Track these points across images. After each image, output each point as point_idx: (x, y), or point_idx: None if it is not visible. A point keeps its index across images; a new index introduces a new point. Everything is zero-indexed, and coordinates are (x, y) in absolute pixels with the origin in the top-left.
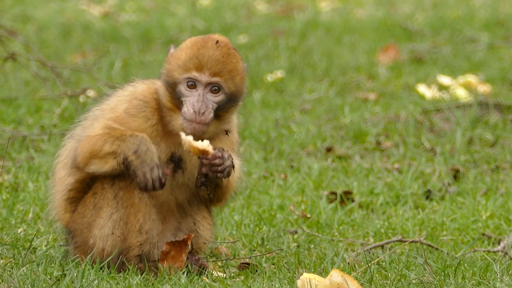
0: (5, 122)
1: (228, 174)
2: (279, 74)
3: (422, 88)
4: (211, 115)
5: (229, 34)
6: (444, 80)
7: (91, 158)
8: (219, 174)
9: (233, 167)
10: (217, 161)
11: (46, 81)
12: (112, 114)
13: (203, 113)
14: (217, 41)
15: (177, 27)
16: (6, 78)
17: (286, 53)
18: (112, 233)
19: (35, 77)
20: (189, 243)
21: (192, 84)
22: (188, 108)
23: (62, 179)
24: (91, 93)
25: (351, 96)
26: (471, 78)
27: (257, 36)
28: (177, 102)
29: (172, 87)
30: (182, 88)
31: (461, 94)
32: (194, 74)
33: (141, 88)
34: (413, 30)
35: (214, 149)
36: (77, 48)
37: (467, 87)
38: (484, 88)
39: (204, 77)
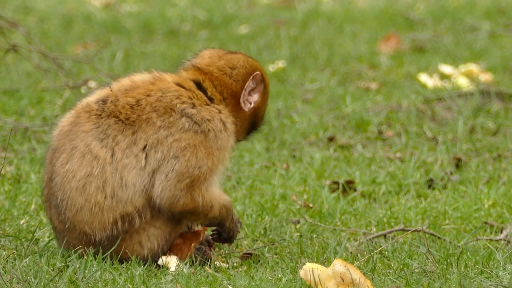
0: (7, 114)
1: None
2: (280, 64)
3: (423, 77)
4: None
5: (230, 24)
6: (446, 69)
7: (188, 214)
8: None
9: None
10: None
11: (48, 73)
12: (212, 158)
13: None
14: None
15: (178, 17)
16: (7, 70)
17: (287, 43)
18: (165, 243)
19: (37, 69)
20: (202, 235)
21: None
22: None
23: (132, 196)
24: (92, 84)
25: (353, 86)
26: (473, 67)
27: (258, 26)
28: (244, 133)
29: (253, 126)
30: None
31: (463, 83)
32: None
33: (214, 114)
34: (414, 19)
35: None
36: (78, 39)
37: (469, 76)
38: (485, 77)
39: None
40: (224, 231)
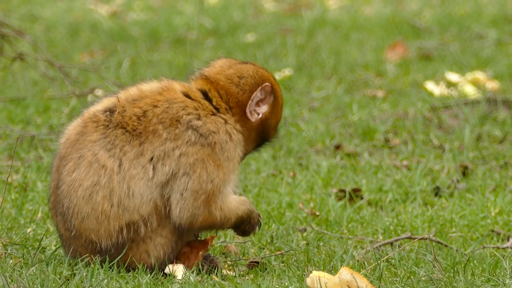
0: (13, 122)
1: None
2: (287, 72)
3: (430, 85)
4: None
5: (237, 32)
6: (452, 77)
7: (206, 228)
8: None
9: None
10: None
11: (54, 81)
12: (222, 170)
13: None
14: None
15: (184, 25)
16: (14, 78)
17: (294, 51)
18: (172, 251)
19: (43, 77)
20: (209, 244)
21: None
22: None
23: (138, 205)
24: (99, 92)
25: (359, 94)
26: (479, 75)
27: (265, 34)
28: (253, 143)
29: (263, 137)
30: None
31: (469, 90)
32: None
33: (219, 126)
34: (421, 27)
35: None
36: (85, 48)
37: (475, 83)
38: (492, 85)
39: None
40: (238, 232)
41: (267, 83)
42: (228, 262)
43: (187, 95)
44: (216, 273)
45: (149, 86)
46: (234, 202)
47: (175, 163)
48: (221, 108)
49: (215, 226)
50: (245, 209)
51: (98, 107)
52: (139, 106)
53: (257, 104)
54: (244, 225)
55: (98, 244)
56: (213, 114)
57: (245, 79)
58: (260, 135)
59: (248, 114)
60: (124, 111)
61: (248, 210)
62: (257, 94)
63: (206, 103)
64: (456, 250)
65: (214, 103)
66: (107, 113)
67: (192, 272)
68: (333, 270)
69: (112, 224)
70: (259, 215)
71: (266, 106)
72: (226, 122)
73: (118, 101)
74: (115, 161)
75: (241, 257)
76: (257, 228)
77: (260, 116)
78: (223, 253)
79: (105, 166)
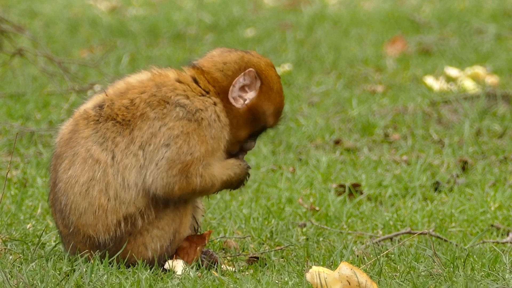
0: (13, 118)
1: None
2: (286, 67)
3: (429, 80)
4: None
5: (236, 27)
6: (452, 71)
7: (189, 195)
8: None
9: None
10: None
11: (54, 77)
12: (206, 145)
13: None
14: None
15: (184, 21)
16: (13, 74)
17: (293, 46)
18: (169, 244)
19: (43, 73)
20: (207, 239)
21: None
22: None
23: (135, 196)
24: (98, 88)
25: (359, 89)
26: (479, 70)
27: (264, 30)
28: (246, 130)
29: (257, 124)
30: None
31: (469, 85)
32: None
33: (208, 105)
34: (421, 22)
35: None
36: (84, 43)
37: (475, 78)
38: (491, 79)
39: None
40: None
41: (250, 69)
42: (228, 258)
43: (178, 80)
44: (216, 269)
45: (138, 77)
46: (218, 168)
47: (159, 139)
48: (211, 92)
49: (198, 192)
50: (231, 174)
51: (88, 104)
52: (126, 97)
53: (243, 90)
54: (233, 187)
55: (96, 239)
56: (202, 95)
57: (229, 64)
58: (253, 122)
59: (232, 100)
60: (112, 104)
61: (235, 174)
62: (240, 80)
63: (195, 85)
64: (456, 245)
65: (202, 87)
66: (97, 108)
67: (192, 268)
68: (332, 265)
69: (109, 218)
70: (247, 168)
71: (253, 92)
72: (215, 104)
73: (107, 95)
74: (108, 154)
75: (240, 252)
76: (244, 182)
77: (248, 102)
78: (223, 249)
79: (99, 161)
